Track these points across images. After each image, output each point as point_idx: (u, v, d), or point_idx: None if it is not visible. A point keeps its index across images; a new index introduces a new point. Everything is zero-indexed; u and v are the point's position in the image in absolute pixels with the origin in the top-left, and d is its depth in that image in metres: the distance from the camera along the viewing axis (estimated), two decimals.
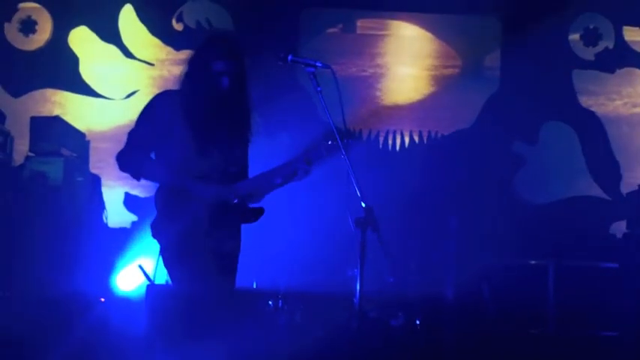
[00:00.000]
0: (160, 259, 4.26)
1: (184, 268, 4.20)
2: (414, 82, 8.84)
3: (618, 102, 8.78)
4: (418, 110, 8.79)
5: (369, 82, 8.81)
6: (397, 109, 8.78)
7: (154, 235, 4.29)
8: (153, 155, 4.36)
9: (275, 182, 4.32)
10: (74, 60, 8.72)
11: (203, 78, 4.26)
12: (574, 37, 8.83)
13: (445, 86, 8.80)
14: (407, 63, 8.85)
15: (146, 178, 4.34)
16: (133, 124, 4.40)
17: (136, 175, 4.34)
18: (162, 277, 4.48)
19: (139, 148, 4.30)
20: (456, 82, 8.80)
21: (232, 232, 4.36)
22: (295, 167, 4.25)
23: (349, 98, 8.67)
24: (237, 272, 4.42)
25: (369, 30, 8.95)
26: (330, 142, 4.15)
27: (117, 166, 4.34)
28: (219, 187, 4.24)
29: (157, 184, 4.35)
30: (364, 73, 8.83)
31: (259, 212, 4.38)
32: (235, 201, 4.27)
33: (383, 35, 8.90)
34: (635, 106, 8.79)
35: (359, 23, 8.94)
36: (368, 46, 8.88)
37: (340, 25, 8.93)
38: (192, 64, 4.35)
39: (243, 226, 4.43)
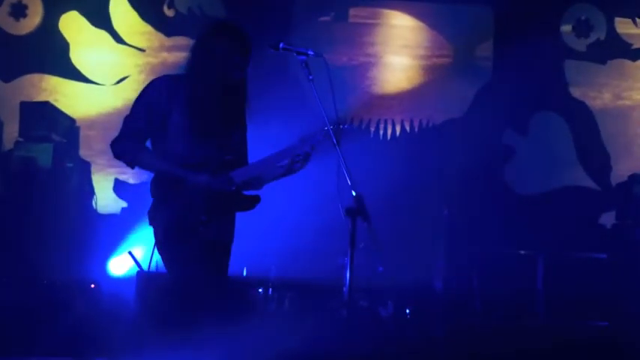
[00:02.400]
0: (154, 246, 4.25)
1: (178, 255, 4.19)
2: (406, 72, 8.83)
3: (609, 93, 8.78)
4: (410, 99, 8.77)
5: (360, 71, 8.78)
6: (389, 99, 8.76)
7: (151, 223, 4.28)
8: (149, 142, 4.33)
9: (274, 170, 4.30)
10: (65, 45, 8.67)
11: (219, 68, 4.21)
12: (566, 28, 8.84)
13: (437, 76, 8.79)
14: (398, 52, 8.84)
15: (141, 167, 4.32)
16: (124, 110, 4.37)
17: (131, 164, 4.32)
18: (154, 263, 4.46)
19: (134, 136, 4.27)
20: (447, 71, 8.79)
21: (227, 221, 4.34)
22: (293, 153, 4.23)
23: (340, 87, 8.65)
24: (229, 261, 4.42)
25: (361, 19, 8.92)
26: (326, 128, 4.13)
27: (109, 153, 4.32)
28: (213, 176, 4.22)
29: (152, 173, 4.33)
30: (355, 62, 8.81)
31: (255, 200, 4.36)
32: (233, 188, 4.26)
33: (375, 24, 8.88)
34: (625, 97, 8.80)
35: (351, 12, 8.92)
36: (359, 35, 8.86)
37: (332, 14, 8.90)
38: (208, 53, 4.24)
39: (236, 214, 4.42)
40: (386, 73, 8.81)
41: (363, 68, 8.74)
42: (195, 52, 4.30)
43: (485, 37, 8.81)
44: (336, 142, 4.05)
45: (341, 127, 4.10)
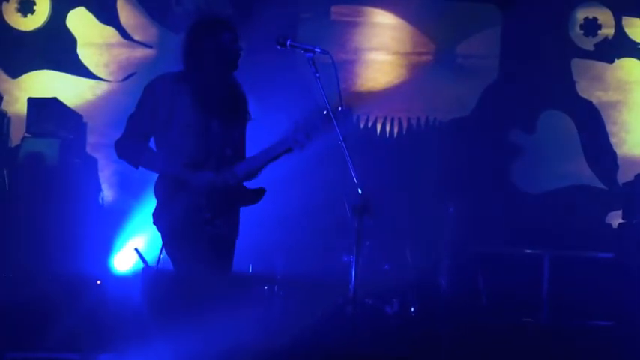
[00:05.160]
0: (162, 246, 4.26)
1: (184, 253, 4.20)
2: (413, 69, 8.81)
3: (616, 92, 8.76)
4: (416, 97, 8.76)
5: (363, 68, 8.75)
6: (395, 95, 8.75)
7: (155, 223, 4.29)
8: (152, 141, 4.34)
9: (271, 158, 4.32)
10: (72, 41, 8.69)
11: (213, 49, 4.23)
12: (574, 26, 8.81)
13: (445, 74, 8.77)
14: (380, 49, 8.80)
15: (144, 167, 4.32)
16: (132, 106, 4.38)
17: (135, 165, 4.33)
18: (161, 262, 4.47)
19: (138, 136, 4.28)
20: (456, 69, 8.78)
21: (231, 218, 4.35)
22: (290, 143, 4.23)
23: (345, 82, 8.64)
24: (234, 256, 4.43)
25: (343, 16, 8.86)
26: (325, 112, 4.13)
27: (114, 152, 4.34)
28: (216, 174, 4.23)
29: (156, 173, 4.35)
30: (336, 60, 8.78)
31: (260, 193, 4.36)
32: (236, 183, 4.27)
33: (357, 22, 8.83)
34: (633, 96, 8.77)
35: (333, 9, 8.86)
36: (341, 33, 8.82)
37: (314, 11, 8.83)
38: (197, 39, 4.29)
39: (241, 210, 4.43)
40: (367, 71, 8.77)
41: (343, 66, 8.62)
42: (187, 52, 4.31)
43: (492, 36, 8.79)
44: (340, 125, 4.04)
45: (340, 110, 4.09)
